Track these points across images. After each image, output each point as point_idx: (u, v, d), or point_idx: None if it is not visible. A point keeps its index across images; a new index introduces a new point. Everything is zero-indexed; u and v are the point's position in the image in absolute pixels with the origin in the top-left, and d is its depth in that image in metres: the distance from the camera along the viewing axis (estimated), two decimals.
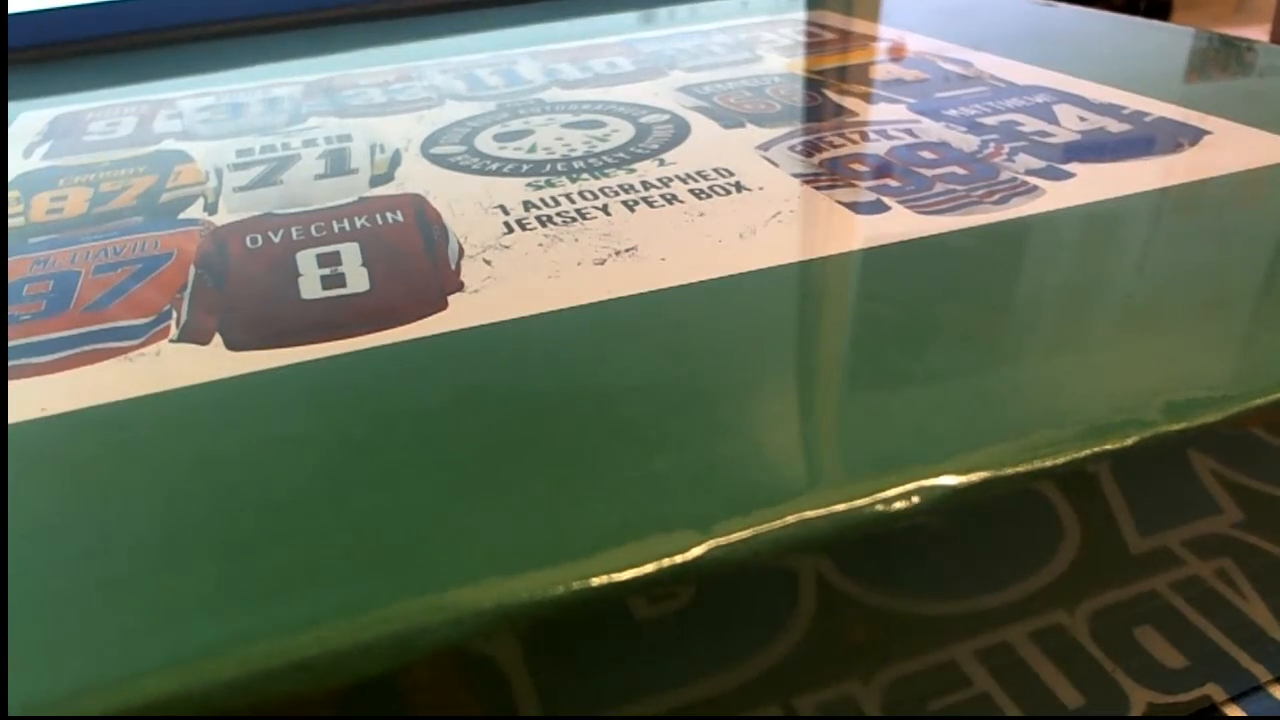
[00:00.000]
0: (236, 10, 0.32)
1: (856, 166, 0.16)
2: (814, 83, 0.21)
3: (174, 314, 0.12)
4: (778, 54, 0.24)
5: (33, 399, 0.10)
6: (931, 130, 0.17)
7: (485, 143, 0.18)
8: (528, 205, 0.15)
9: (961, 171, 0.15)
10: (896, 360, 0.10)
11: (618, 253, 0.13)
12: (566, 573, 0.08)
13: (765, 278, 0.12)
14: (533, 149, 0.18)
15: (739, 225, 0.14)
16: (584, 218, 0.14)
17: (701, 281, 0.12)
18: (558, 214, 0.15)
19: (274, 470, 0.09)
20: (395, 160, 0.18)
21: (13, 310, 0.13)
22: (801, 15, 0.29)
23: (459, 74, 0.24)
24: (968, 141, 0.17)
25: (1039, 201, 0.14)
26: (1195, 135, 0.16)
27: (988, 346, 0.10)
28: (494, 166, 0.17)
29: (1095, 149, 0.16)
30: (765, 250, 0.13)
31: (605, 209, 0.15)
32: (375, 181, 0.17)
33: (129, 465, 0.09)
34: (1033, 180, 0.15)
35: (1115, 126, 0.17)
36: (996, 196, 0.14)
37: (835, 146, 0.17)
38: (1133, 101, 0.18)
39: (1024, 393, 0.09)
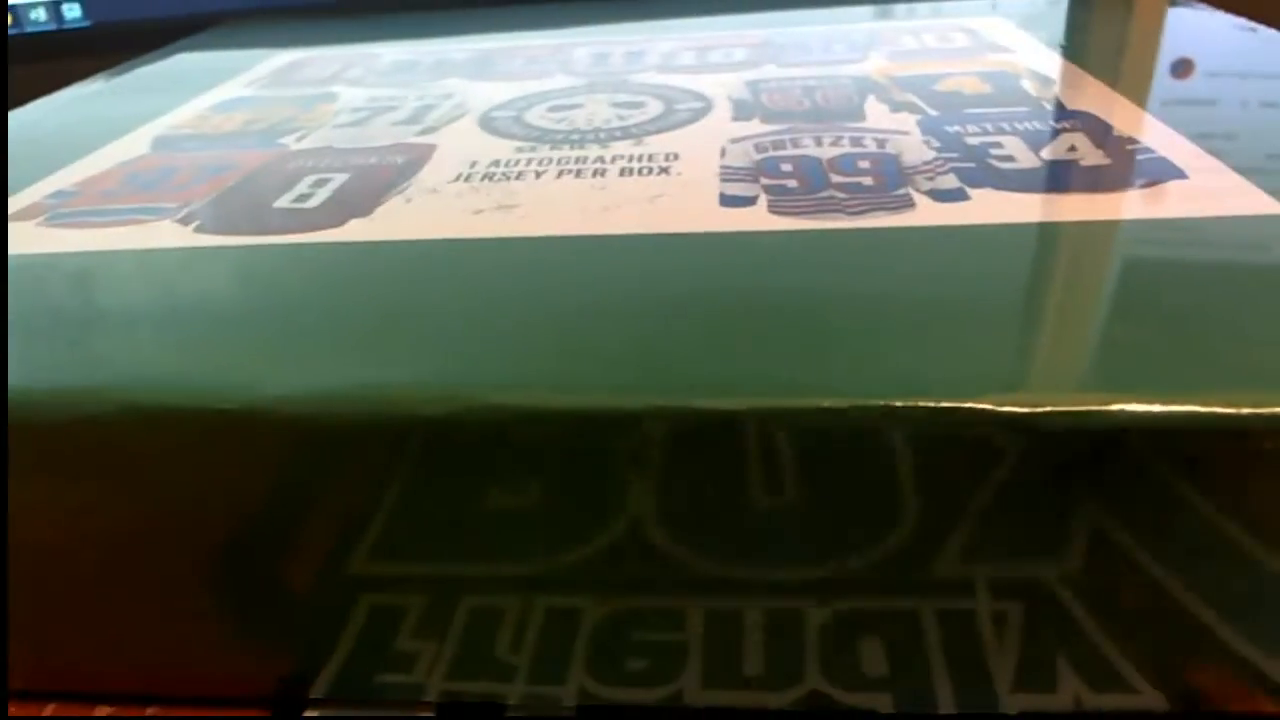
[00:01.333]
0: None
1: (784, 167, 0.17)
2: (872, 87, 0.21)
3: (190, 205, 0.17)
4: (887, 57, 0.24)
5: (79, 242, 0.16)
6: (905, 144, 0.17)
7: (535, 113, 0.21)
8: (492, 163, 0.18)
9: (868, 182, 0.16)
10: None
11: (499, 206, 0.16)
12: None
13: (576, 240, 0.14)
14: (562, 121, 0.20)
15: (616, 201, 0.16)
16: (511, 179, 0.17)
17: (526, 237, 0.14)
18: (503, 173, 0.17)
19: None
20: (453, 118, 0.21)
21: (121, 188, 0.18)
22: (974, 22, 0.28)
23: (593, 50, 0.27)
24: (920, 156, 0.17)
25: (901, 217, 0.14)
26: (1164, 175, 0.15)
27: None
28: (516, 131, 0.20)
29: (1025, 179, 0.15)
30: (608, 221, 0.15)
31: (538, 174, 0.17)
32: (423, 132, 0.20)
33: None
34: (920, 199, 0.15)
35: (1092, 159, 0.16)
36: (863, 208, 0.15)
37: (797, 147, 0.18)
38: (1152, 138, 0.17)
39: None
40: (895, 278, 0.13)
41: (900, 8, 0.32)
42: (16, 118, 0.24)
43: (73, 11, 0.37)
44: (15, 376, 0.12)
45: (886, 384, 0.10)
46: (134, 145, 0.21)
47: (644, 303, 0.12)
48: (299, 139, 0.21)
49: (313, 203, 0.17)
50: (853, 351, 0.11)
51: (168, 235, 0.16)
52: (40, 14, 0.37)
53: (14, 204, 0.18)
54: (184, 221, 0.16)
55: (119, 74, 0.29)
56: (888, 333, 0.11)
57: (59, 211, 0.17)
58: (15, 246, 0.16)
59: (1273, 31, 0.25)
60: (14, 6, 0.36)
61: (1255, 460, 0.10)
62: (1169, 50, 0.24)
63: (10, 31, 0.36)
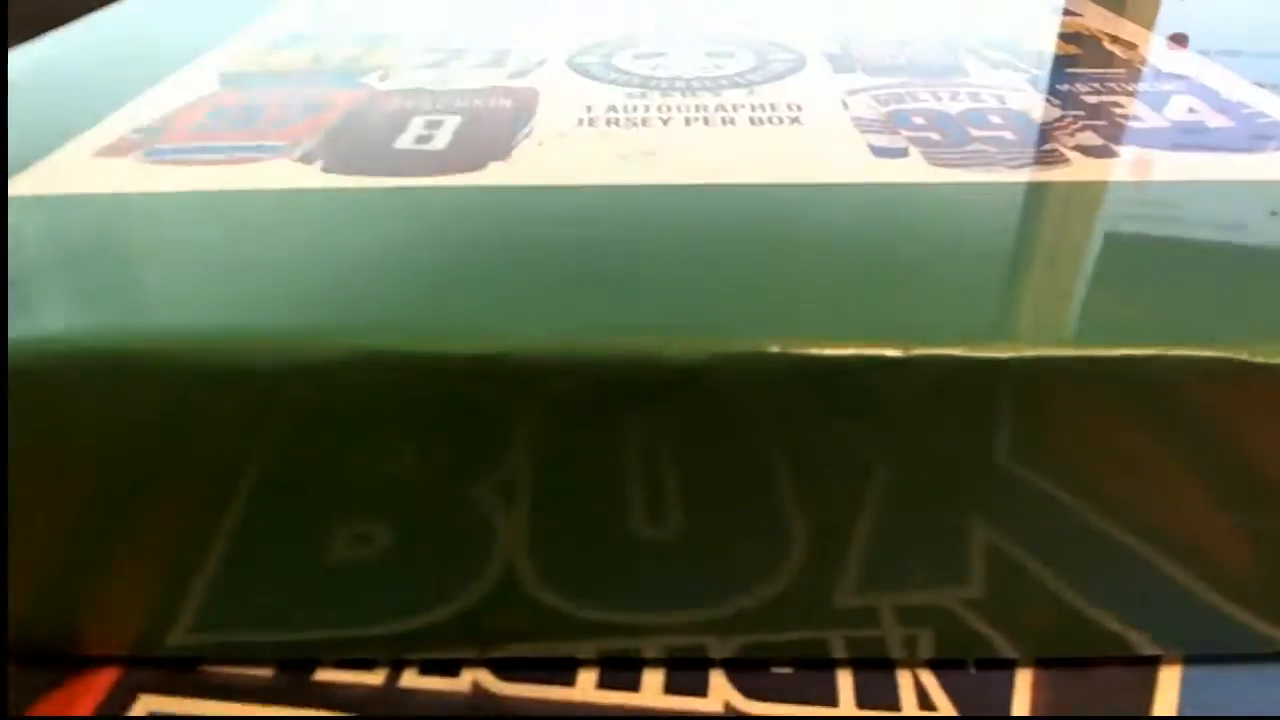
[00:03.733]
0: None
1: (916, 120, 0.17)
2: (958, 44, 0.21)
3: (303, 144, 0.16)
4: (955, 15, 0.24)
5: (197, 180, 0.15)
6: (1026, 100, 0.17)
7: (623, 59, 0.21)
8: (609, 109, 0.17)
9: (1010, 137, 0.16)
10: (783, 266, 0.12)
11: (643, 153, 0.15)
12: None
13: (742, 191, 0.14)
14: (656, 67, 0.20)
15: (762, 150, 0.15)
16: (638, 125, 0.16)
17: (688, 184, 0.14)
18: (626, 119, 0.17)
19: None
20: (538, 62, 0.21)
21: (211, 123, 0.17)
22: None
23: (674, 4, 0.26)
24: (1048, 113, 0.17)
25: (1055, 171, 0.14)
26: None
27: (867, 273, 0.12)
28: (613, 77, 0.19)
29: (1166, 138, 0.16)
30: (764, 169, 0.14)
31: (666, 121, 0.17)
32: (514, 75, 0.20)
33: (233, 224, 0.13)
34: (1072, 155, 0.15)
35: (1216, 121, 0.16)
36: (1019, 162, 0.15)
37: (916, 100, 0.18)
38: (1265, 103, 0.17)
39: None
40: (1068, 229, 0.13)
41: None
42: (49, 46, 0.23)
43: None
44: (216, 317, 0.11)
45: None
46: (200, 79, 0.20)
47: (847, 249, 0.12)
48: (381, 79, 0.20)
49: (438, 144, 0.16)
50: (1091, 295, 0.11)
51: (296, 175, 0.15)
52: None
53: (93, 138, 0.17)
54: (304, 160, 0.15)
55: (137, 5, 0.27)
56: (1102, 278, 0.11)
57: (156, 149, 0.16)
58: (126, 184, 0.15)
59: None
60: None
61: None
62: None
63: None
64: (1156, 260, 0.12)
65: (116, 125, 0.17)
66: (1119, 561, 0.12)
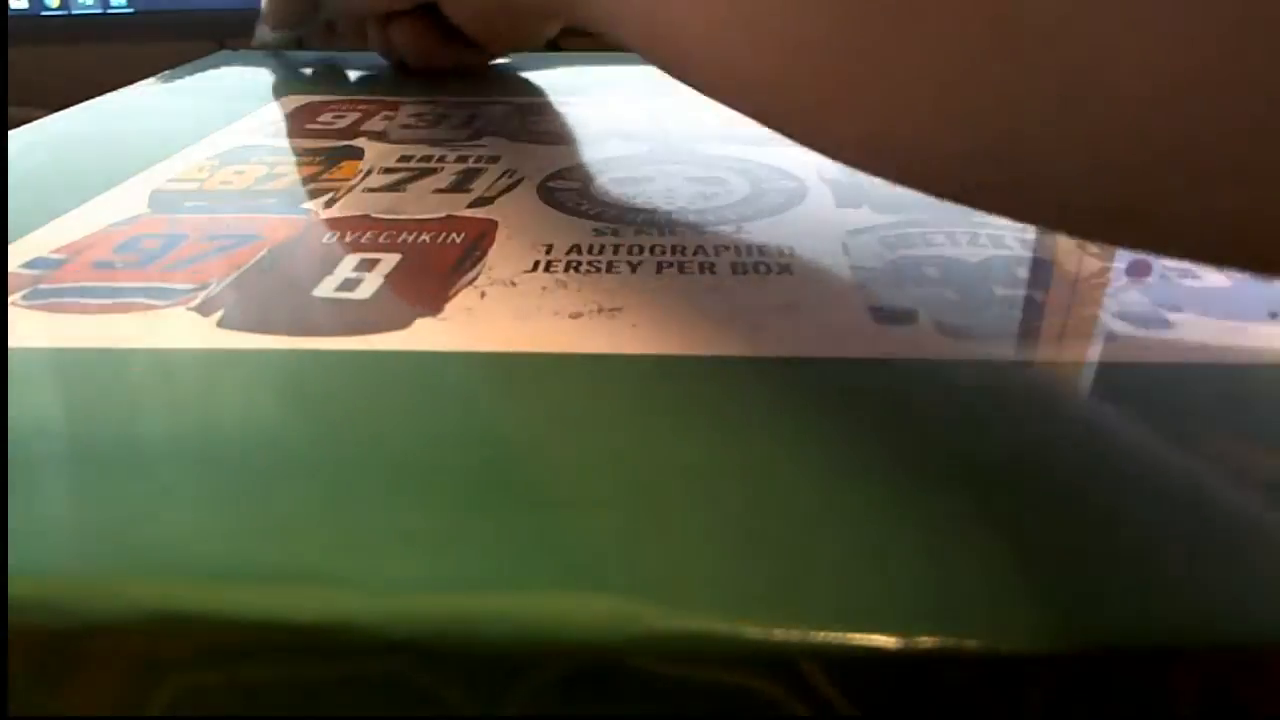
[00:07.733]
0: None
1: (928, 270, 0.14)
2: None
3: (210, 288, 0.14)
4: None
5: (67, 333, 0.12)
6: (1056, 246, 0.15)
7: (601, 185, 0.19)
8: (572, 249, 0.15)
9: (1038, 297, 0.13)
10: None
11: (600, 310, 0.13)
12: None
13: (712, 367, 0.11)
14: (637, 197, 0.18)
15: (742, 308, 0.13)
16: (602, 270, 0.14)
17: (649, 355, 0.12)
18: (589, 262, 0.15)
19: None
20: (510, 187, 0.18)
21: (116, 258, 0.15)
22: None
23: (648, 114, 0.25)
24: (1085, 265, 0.14)
25: (1099, 348, 0.12)
26: None
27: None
28: (586, 207, 0.17)
29: (1229, 302, 0.13)
30: (742, 337, 0.12)
31: (632, 266, 0.14)
32: (475, 204, 0.17)
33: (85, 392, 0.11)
34: (1118, 325, 0.12)
35: None
36: (1051, 333, 0.12)
37: (929, 244, 0.15)
38: None
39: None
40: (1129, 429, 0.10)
41: None
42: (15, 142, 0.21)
43: None
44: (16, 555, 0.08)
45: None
46: (130, 199, 0.18)
47: (843, 470, 0.09)
48: (327, 203, 0.18)
49: (363, 292, 0.13)
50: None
51: (183, 330, 0.12)
52: None
53: None
54: (203, 311, 0.13)
55: (121, 99, 0.26)
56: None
57: (39, 289, 0.14)
58: None
59: None
60: None
61: None
62: None
63: (57, 12, 0.35)
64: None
65: (14, 258, 0.15)
66: None
